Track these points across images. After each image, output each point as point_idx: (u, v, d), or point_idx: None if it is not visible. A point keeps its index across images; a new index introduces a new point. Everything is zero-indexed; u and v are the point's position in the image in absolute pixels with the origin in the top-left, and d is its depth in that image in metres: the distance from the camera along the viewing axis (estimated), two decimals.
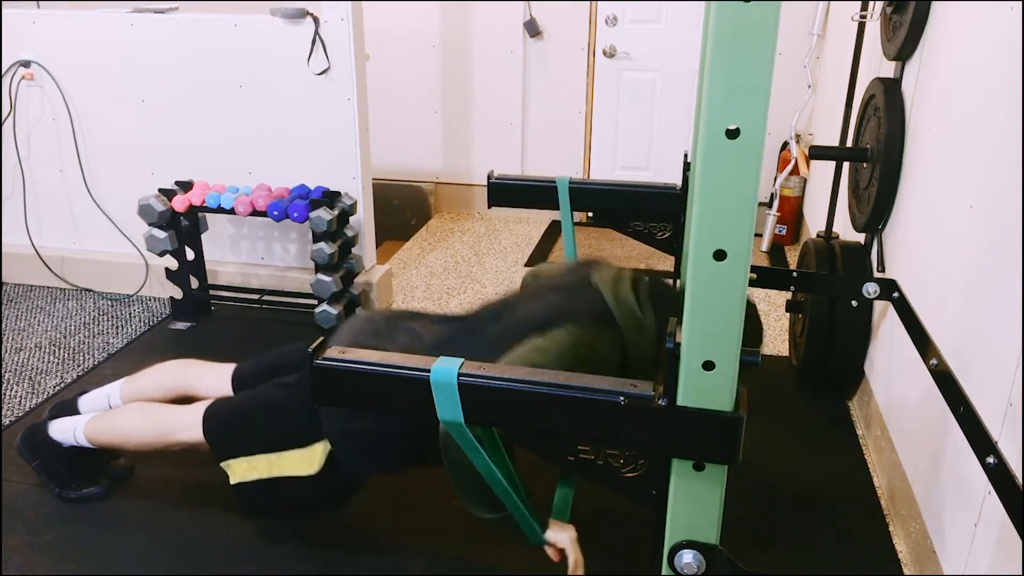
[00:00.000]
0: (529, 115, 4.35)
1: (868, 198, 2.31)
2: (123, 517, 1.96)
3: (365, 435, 1.67)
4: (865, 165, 2.38)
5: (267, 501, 1.75)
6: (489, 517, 1.47)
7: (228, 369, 1.96)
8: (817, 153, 2.47)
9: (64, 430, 1.93)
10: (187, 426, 1.80)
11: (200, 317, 3.05)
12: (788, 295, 2.79)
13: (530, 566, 1.82)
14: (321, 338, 1.25)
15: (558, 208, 2.15)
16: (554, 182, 2.09)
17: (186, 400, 1.93)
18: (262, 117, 2.99)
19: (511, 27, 4.15)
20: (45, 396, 2.50)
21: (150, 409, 1.89)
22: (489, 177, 2.22)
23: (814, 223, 3.60)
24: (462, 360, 1.17)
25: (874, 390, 2.32)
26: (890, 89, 2.22)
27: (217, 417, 1.78)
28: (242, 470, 1.72)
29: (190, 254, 3.01)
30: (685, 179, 2.10)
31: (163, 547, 1.87)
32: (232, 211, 2.84)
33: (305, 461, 1.69)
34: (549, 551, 1.51)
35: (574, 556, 1.49)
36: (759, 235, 3.63)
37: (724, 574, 1.09)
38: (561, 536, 1.49)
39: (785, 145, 3.99)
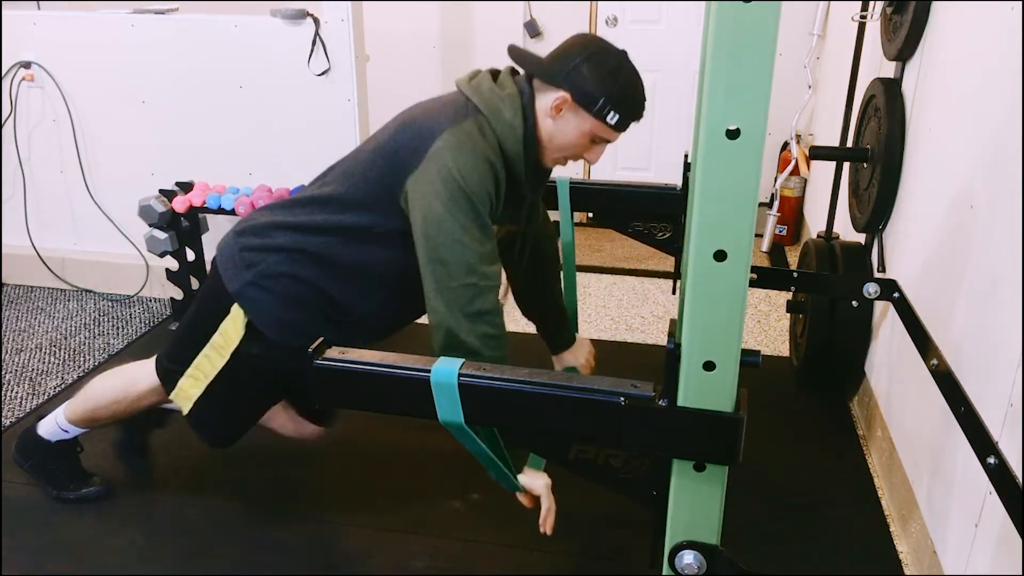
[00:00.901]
0: None
1: (868, 198, 2.31)
2: (123, 517, 1.96)
3: (266, 279, 1.62)
4: (865, 165, 2.38)
5: (224, 412, 1.73)
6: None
7: None
8: (817, 153, 2.47)
9: (48, 425, 1.95)
10: (145, 372, 1.82)
11: None
12: (788, 295, 2.79)
13: (528, 567, 1.82)
14: (321, 339, 1.25)
15: (557, 208, 2.15)
16: (554, 182, 2.09)
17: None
18: (262, 118, 2.99)
19: (511, 28, 4.15)
20: (46, 397, 2.50)
21: (112, 371, 1.93)
22: None
23: (814, 223, 3.60)
24: (462, 360, 1.17)
25: (874, 390, 2.32)
26: (890, 89, 2.22)
27: (163, 351, 1.81)
28: (187, 389, 1.71)
29: (191, 255, 3.01)
30: (685, 179, 2.10)
31: (163, 547, 1.87)
32: (233, 212, 2.84)
33: (226, 336, 1.65)
34: (522, 498, 1.48)
35: (547, 504, 1.46)
36: (759, 235, 3.62)
37: (725, 574, 1.09)
38: (536, 483, 1.46)
39: (785, 145, 3.99)
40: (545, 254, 1.99)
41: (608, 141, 1.58)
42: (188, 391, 1.71)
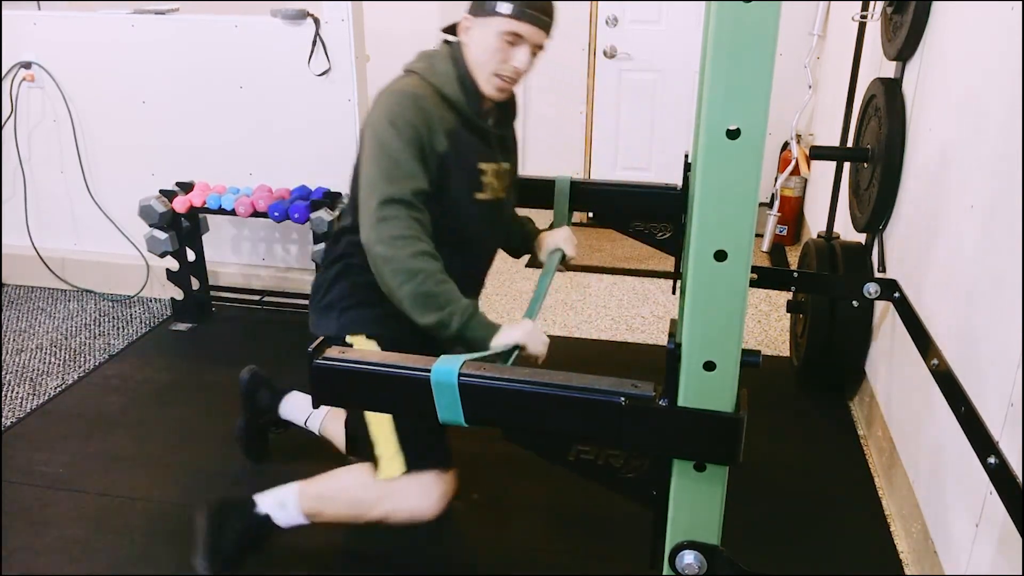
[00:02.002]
0: (529, 115, 4.35)
1: (869, 198, 2.31)
2: (124, 518, 1.96)
3: (341, 300, 1.69)
4: (866, 165, 2.38)
5: (429, 441, 1.66)
6: (425, 323, 1.46)
7: None
8: (818, 153, 2.47)
9: (271, 506, 1.72)
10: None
11: (201, 318, 3.06)
12: (789, 295, 2.79)
13: (531, 567, 1.82)
14: (321, 338, 1.24)
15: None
16: (553, 181, 2.09)
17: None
18: (263, 118, 2.99)
19: None
20: (46, 397, 2.50)
21: (370, 475, 1.68)
22: None
23: (815, 223, 3.60)
24: (463, 360, 1.17)
25: (875, 390, 2.32)
26: (891, 89, 2.22)
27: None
28: (386, 460, 1.62)
29: (191, 255, 3.01)
30: (685, 179, 2.09)
31: (163, 548, 1.87)
32: (233, 212, 2.84)
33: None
34: (526, 353, 1.46)
35: (532, 348, 1.45)
36: (760, 235, 3.62)
37: (725, 574, 1.08)
38: (514, 333, 1.44)
39: (786, 145, 3.99)
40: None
41: (520, 36, 1.56)
42: (389, 462, 1.62)
